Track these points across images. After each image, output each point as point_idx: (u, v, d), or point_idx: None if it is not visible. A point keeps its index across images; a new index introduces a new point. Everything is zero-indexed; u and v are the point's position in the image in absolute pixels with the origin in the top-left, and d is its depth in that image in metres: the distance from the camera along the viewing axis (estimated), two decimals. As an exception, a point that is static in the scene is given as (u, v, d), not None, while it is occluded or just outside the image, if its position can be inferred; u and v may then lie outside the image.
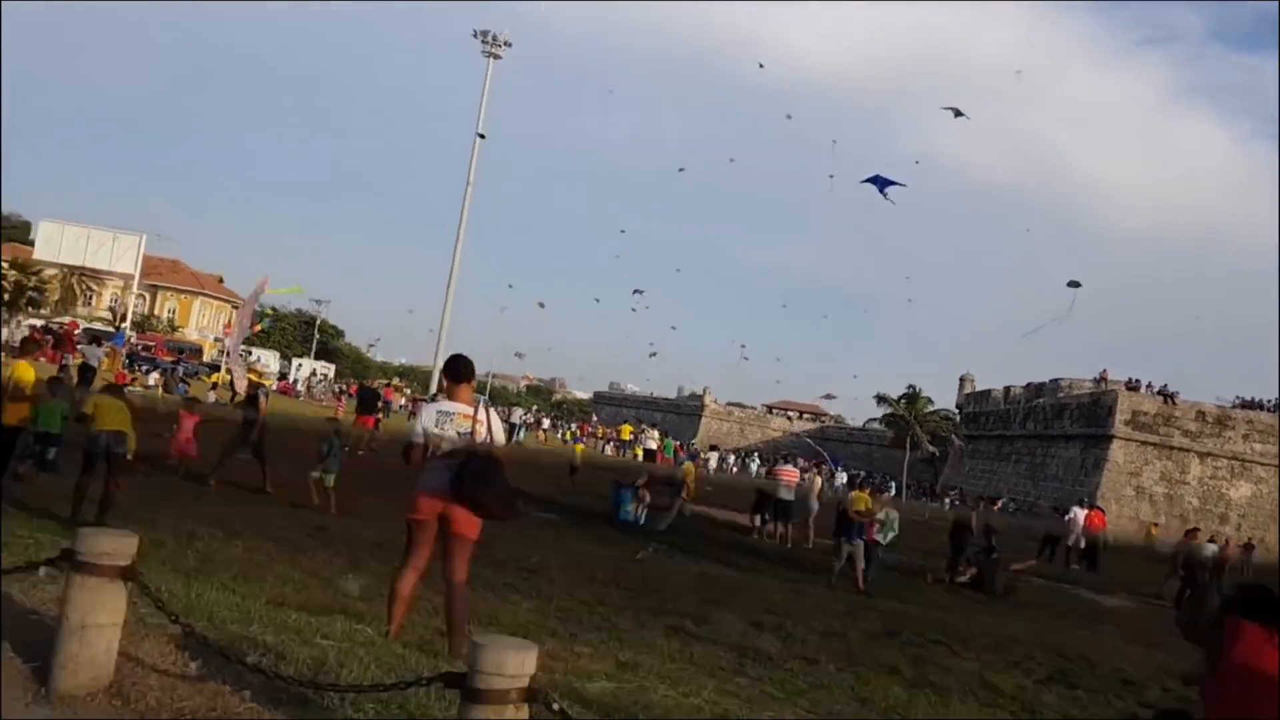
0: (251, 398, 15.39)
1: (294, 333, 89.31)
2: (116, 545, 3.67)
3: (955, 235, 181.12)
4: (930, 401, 63.06)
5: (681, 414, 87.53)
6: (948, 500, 47.69)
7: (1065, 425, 52.27)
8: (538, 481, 21.39)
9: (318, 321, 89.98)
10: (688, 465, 21.97)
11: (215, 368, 47.91)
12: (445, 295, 59.17)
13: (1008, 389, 63.93)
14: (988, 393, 66.39)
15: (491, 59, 61.82)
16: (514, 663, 2.92)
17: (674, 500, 18.77)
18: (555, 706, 2.91)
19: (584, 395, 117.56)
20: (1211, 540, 21.11)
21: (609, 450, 54.94)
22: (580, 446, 32.18)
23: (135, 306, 68.19)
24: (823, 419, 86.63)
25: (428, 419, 5.76)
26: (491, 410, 5.88)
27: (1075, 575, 22.61)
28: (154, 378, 36.43)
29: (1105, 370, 55.32)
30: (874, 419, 65.97)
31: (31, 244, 68.75)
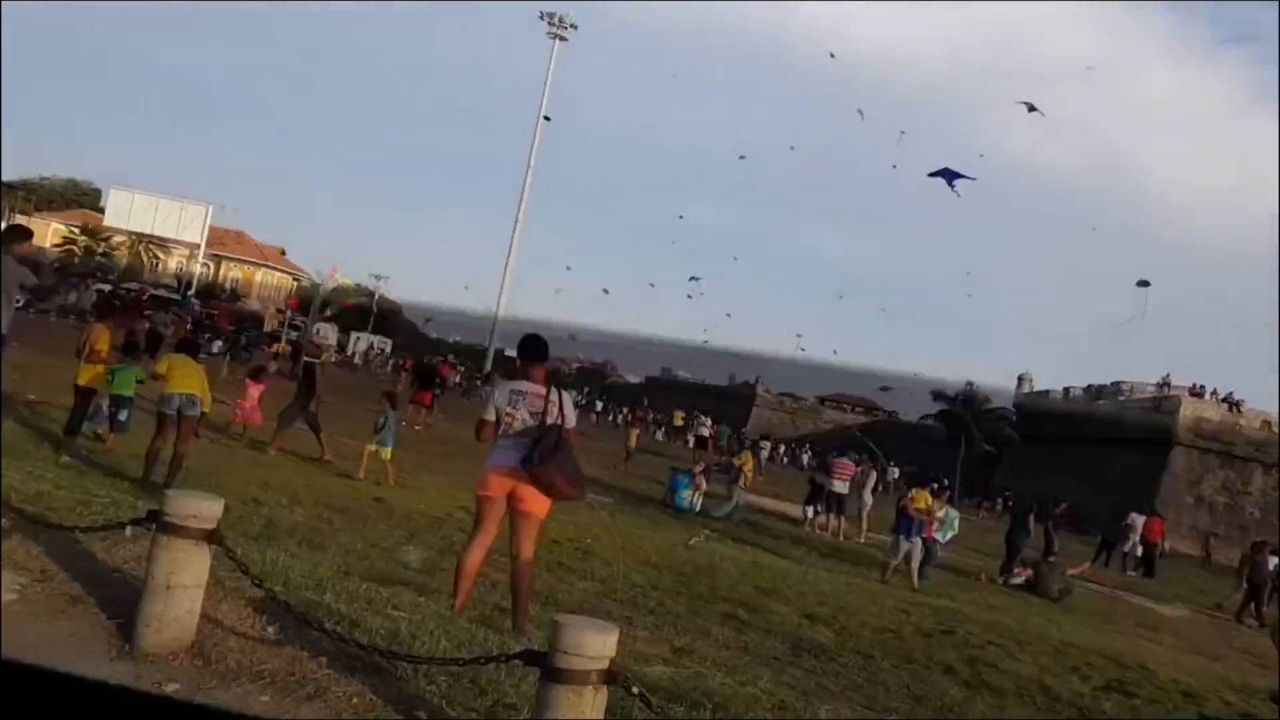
0: (308, 370, 15.60)
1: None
2: (202, 508, 3.74)
3: (1018, 232, 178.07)
4: (988, 400, 62.26)
5: (732, 403, 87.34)
6: (1000, 501, 47.16)
7: (1125, 429, 51.33)
8: (591, 464, 21.50)
9: (376, 296, 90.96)
10: (745, 454, 21.92)
11: (276, 337, 48.66)
12: (502, 275, 59.58)
13: (1067, 390, 62.91)
14: (1047, 393, 65.40)
15: (557, 40, 61.94)
16: (595, 643, 2.92)
17: (731, 489, 18.76)
18: (635, 690, 2.91)
19: (635, 380, 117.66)
20: (1275, 553, 20.63)
21: (660, 436, 54.94)
22: (634, 431, 32.26)
23: (200, 275, 69.53)
24: (876, 413, 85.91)
25: (500, 397, 5.80)
26: (564, 392, 5.91)
27: (1132, 582, 22.27)
28: (217, 345, 37.12)
29: (1168, 375, 54.21)
30: (929, 415, 65.20)
31: (102, 211, 70.45)
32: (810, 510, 19.61)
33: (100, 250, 62.23)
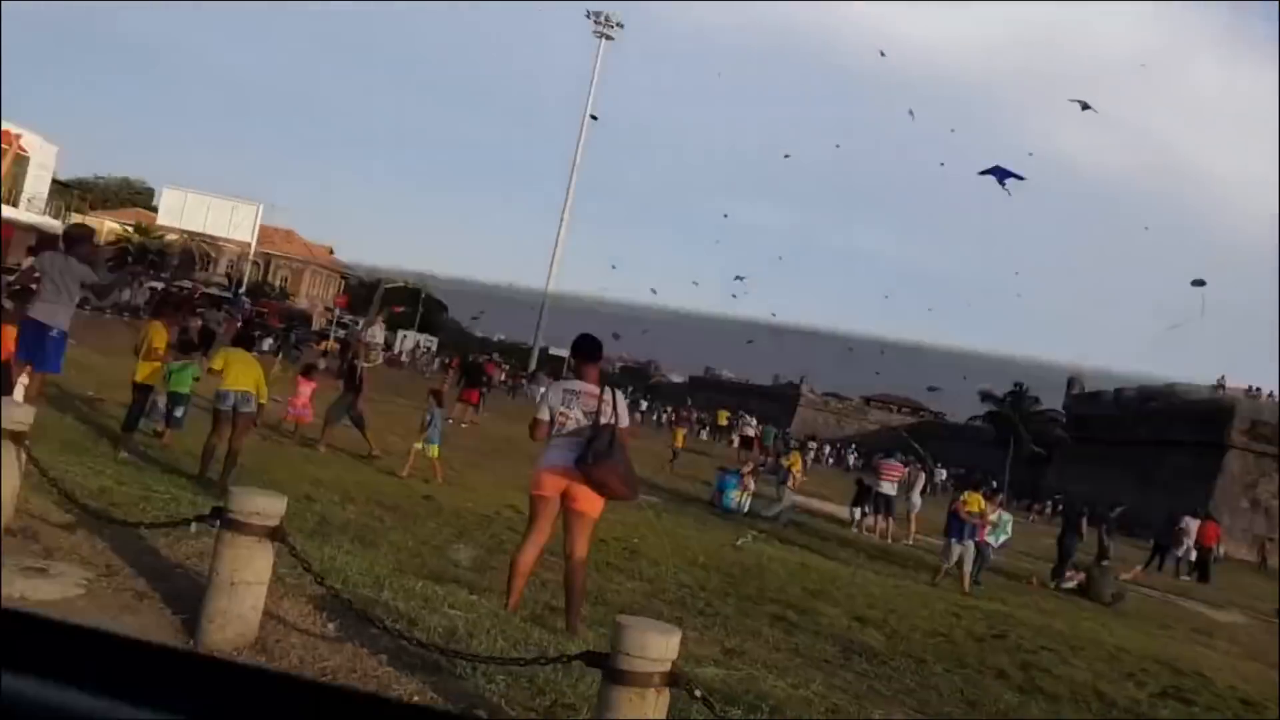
0: (352, 369, 15.77)
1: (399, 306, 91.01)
2: (266, 505, 3.78)
3: (1068, 231, 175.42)
4: (1037, 401, 61.47)
5: (776, 402, 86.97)
6: (1050, 504, 46.49)
7: (1179, 431, 50.40)
8: (637, 463, 21.48)
9: (421, 295, 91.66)
10: (794, 454, 21.82)
11: (324, 335, 49.21)
12: (547, 273, 59.82)
13: (1118, 391, 61.89)
14: (1097, 394, 64.39)
15: (603, 40, 62.07)
16: (658, 645, 2.91)
17: (780, 490, 18.69)
18: (698, 693, 2.89)
19: (679, 379, 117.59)
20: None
21: (704, 435, 54.79)
22: (680, 431, 32.20)
23: (250, 274, 70.48)
24: (922, 414, 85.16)
25: (554, 397, 5.82)
26: (618, 392, 5.92)
27: (1185, 587, 21.88)
28: (268, 343, 37.58)
29: (1223, 376, 53.18)
30: (976, 416, 64.54)
31: (155, 210, 71.63)
32: (858, 511, 19.48)
33: (153, 249, 63.24)
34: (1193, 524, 25.06)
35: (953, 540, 14.10)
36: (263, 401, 10.44)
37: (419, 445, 14.06)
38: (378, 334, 21.96)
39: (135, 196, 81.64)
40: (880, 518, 19.01)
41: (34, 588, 3.89)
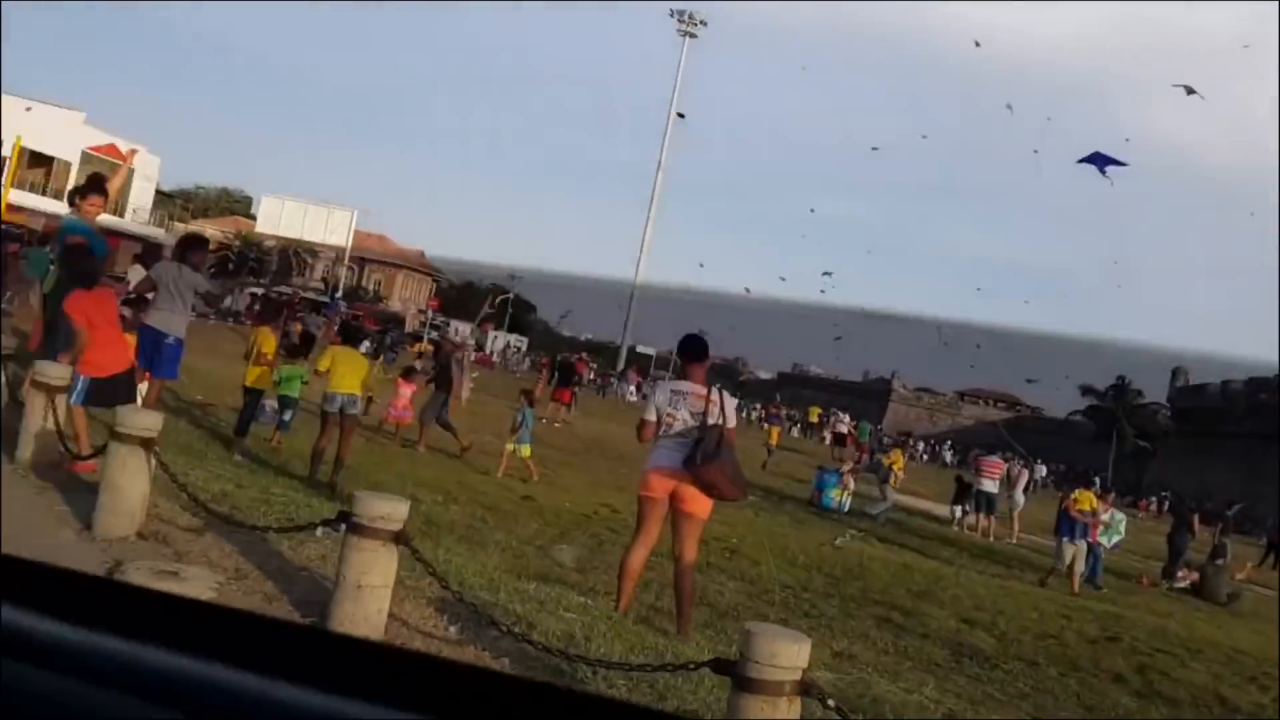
0: (444, 369, 16.01)
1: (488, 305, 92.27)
2: (390, 510, 3.84)
3: (1170, 219, 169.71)
4: (1140, 394, 59.62)
5: (867, 398, 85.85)
6: (1155, 500, 45.06)
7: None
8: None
9: (511, 296, 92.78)
10: (895, 452, 21.50)
11: (418, 338, 50.04)
12: (635, 271, 59.98)
13: (1226, 383, 59.69)
14: (1204, 387, 62.18)
15: (687, 38, 61.99)
16: (788, 653, 2.87)
17: (883, 488, 18.45)
18: (831, 703, 2.85)
19: (767, 375, 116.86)
20: None
21: (795, 433, 54.38)
22: (774, 429, 32.02)
23: (345, 278, 72.15)
24: (1019, 408, 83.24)
25: (661, 398, 5.81)
26: (725, 392, 5.88)
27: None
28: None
29: (1337, 365, 50.88)
30: (1077, 411, 62.83)
31: (254, 218, 73.84)
32: (958, 510, 19.11)
33: (253, 256, 65.13)
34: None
35: (1064, 539, 13.72)
36: (371, 395, 10.59)
37: (511, 446, 14.18)
38: (469, 335, 22.33)
39: (234, 205, 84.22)
40: (982, 516, 18.62)
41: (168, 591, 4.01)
